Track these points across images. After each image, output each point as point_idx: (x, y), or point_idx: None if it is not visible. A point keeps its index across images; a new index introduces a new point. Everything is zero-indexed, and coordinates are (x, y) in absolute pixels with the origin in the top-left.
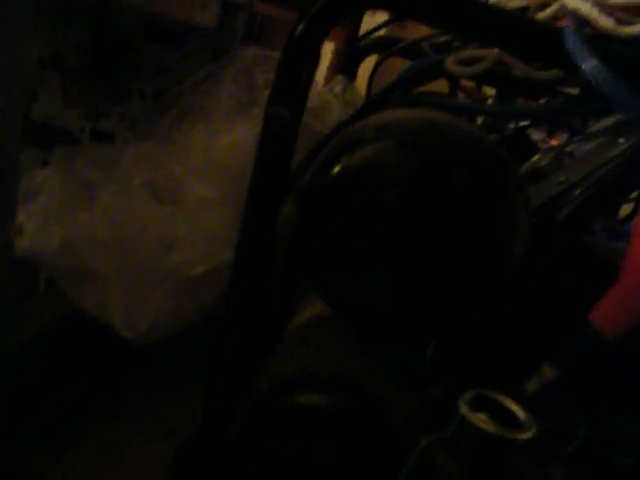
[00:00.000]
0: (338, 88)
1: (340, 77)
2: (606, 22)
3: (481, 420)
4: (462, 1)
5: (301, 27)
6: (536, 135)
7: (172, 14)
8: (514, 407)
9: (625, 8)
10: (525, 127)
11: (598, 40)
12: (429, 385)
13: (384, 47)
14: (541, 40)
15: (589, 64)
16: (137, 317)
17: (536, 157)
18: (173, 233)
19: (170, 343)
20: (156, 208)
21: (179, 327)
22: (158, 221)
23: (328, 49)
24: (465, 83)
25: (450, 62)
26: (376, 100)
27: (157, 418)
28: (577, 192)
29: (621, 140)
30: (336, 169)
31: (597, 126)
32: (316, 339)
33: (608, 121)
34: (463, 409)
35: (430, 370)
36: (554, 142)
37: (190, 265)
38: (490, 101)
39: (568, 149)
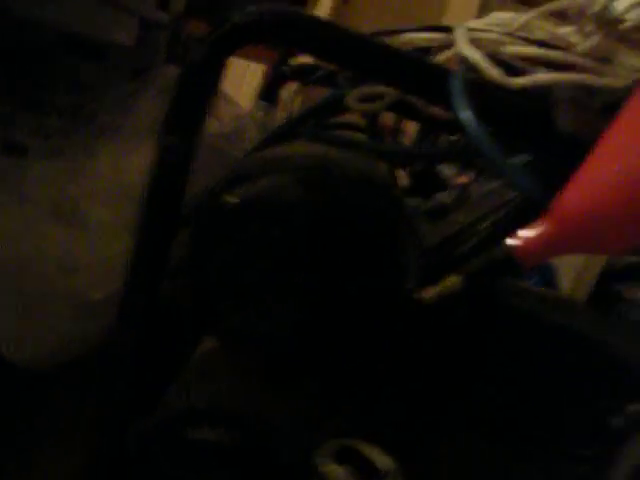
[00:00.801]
0: (258, 114)
1: (260, 102)
2: (493, 72)
3: (339, 474)
4: (355, 39)
5: (197, 55)
6: (448, 171)
7: (85, 30)
8: (378, 456)
9: (528, 59)
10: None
11: (481, 89)
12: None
13: (305, 74)
14: (430, 81)
15: (462, 112)
16: (27, 340)
17: (440, 194)
18: (73, 256)
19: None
20: (57, 229)
21: (78, 352)
22: (58, 243)
23: (259, 71)
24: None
25: (351, 97)
26: (283, 131)
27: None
28: (471, 233)
29: None
30: (229, 199)
31: None
32: (214, 371)
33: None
34: (320, 461)
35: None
36: (463, 179)
37: (90, 289)
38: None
39: (473, 187)
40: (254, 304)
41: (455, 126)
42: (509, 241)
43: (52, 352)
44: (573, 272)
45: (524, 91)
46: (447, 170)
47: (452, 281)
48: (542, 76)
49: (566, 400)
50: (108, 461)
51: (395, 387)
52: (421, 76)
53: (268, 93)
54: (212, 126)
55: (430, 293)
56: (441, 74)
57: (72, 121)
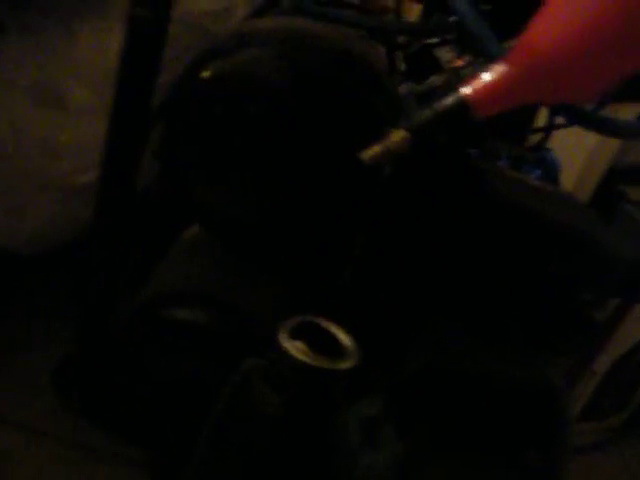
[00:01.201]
0: None
1: None
2: None
3: (298, 349)
4: None
5: None
6: (447, 55)
7: None
8: (340, 334)
9: None
10: (431, 45)
11: None
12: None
13: None
14: None
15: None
16: (16, 225)
17: (432, 77)
18: (58, 139)
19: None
20: (39, 112)
21: (66, 236)
22: (41, 126)
23: None
24: None
25: None
26: (268, 5)
27: (52, 324)
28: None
29: None
30: (203, 74)
31: None
32: (197, 255)
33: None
34: (281, 337)
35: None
36: (459, 62)
37: (76, 173)
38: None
39: (464, 71)
40: (229, 185)
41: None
42: (463, 88)
43: (40, 237)
44: (576, 170)
45: None
46: (446, 54)
47: (398, 136)
48: None
49: (547, 292)
50: (93, 339)
51: (370, 270)
52: None
53: None
54: (202, 2)
55: (371, 152)
56: None
57: None
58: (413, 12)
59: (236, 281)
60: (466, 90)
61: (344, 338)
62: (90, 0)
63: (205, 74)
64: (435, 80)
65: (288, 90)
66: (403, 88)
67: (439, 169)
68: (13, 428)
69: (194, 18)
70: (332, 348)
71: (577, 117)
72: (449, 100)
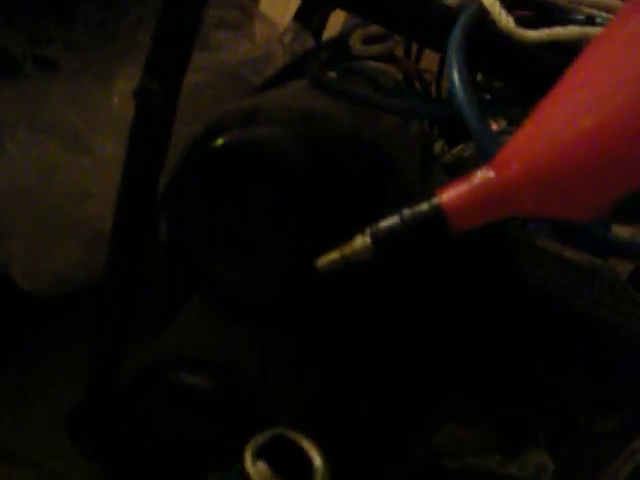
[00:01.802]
0: (287, 37)
1: (292, 24)
2: (506, 22)
3: (260, 473)
4: None
5: None
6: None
7: None
8: (311, 451)
9: None
10: None
11: (489, 38)
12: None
13: None
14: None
15: (451, 68)
16: (39, 268)
17: (461, 146)
18: (85, 185)
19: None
20: (69, 157)
21: (88, 281)
22: (70, 171)
23: None
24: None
25: (354, 38)
26: (292, 67)
27: (68, 370)
28: None
29: None
30: (215, 143)
31: None
32: (206, 319)
33: None
34: (246, 456)
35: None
36: (494, 127)
37: (102, 218)
38: None
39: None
40: (235, 256)
41: None
42: (440, 195)
43: (63, 280)
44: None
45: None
46: None
47: (360, 243)
48: (561, 30)
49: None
50: (102, 397)
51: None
52: (425, 19)
53: (301, 14)
54: (241, 48)
55: (327, 258)
56: (446, 19)
57: (99, 37)
58: None
59: (244, 347)
60: (443, 198)
61: (315, 456)
62: (129, 49)
63: (217, 144)
64: (463, 149)
65: (298, 168)
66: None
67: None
68: (25, 464)
69: (231, 67)
70: (303, 465)
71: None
72: (422, 208)
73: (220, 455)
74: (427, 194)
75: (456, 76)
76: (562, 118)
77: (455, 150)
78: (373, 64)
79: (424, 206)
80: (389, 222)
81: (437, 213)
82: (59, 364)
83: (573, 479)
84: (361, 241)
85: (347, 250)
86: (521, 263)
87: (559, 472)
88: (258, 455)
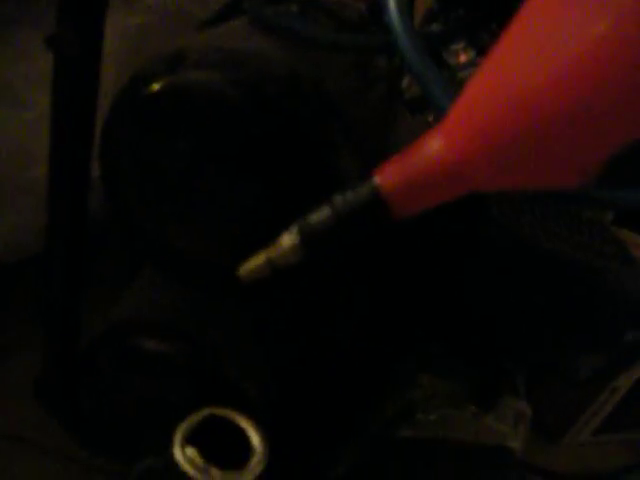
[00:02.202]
0: None
1: None
2: None
3: (188, 459)
4: None
5: None
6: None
7: None
8: (250, 432)
9: None
10: None
11: None
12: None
13: None
14: None
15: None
16: None
17: None
18: (33, 144)
19: None
20: (14, 113)
21: (40, 247)
22: (16, 129)
23: None
24: None
25: None
26: (235, 3)
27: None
28: None
29: None
30: (145, 90)
31: None
32: (163, 282)
33: None
34: (175, 441)
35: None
36: (462, 58)
37: None
38: None
39: (461, 74)
40: (175, 215)
41: None
42: (377, 176)
43: (12, 248)
44: None
45: None
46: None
47: (287, 242)
48: None
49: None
50: (60, 366)
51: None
52: None
53: None
54: None
55: (250, 265)
56: None
57: None
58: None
59: (206, 313)
60: (381, 180)
61: (253, 435)
62: None
63: (142, 93)
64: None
65: (229, 113)
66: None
67: None
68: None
69: (176, 4)
70: (242, 445)
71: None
72: (357, 195)
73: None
74: (363, 175)
75: (392, 3)
76: (522, 64)
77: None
78: None
79: (360, 192)
80: (319, 215)
81: (376, 199)
82: (21, 333)
83: (554, 420)
84: (288, 240)
85: (273, 252)
86: (491, 202)
87: (539, 413)
88: (194, 436)
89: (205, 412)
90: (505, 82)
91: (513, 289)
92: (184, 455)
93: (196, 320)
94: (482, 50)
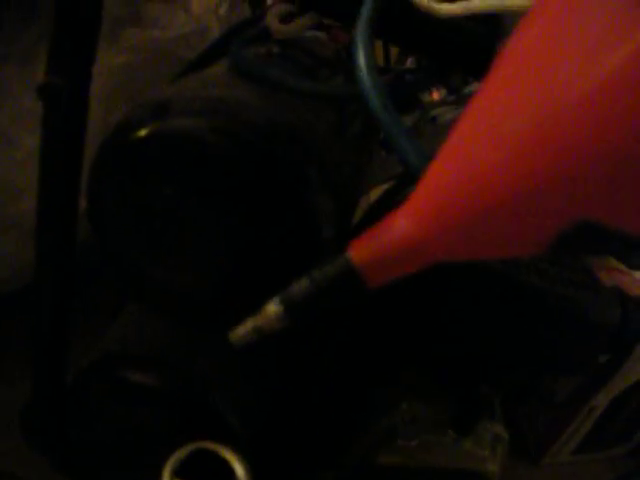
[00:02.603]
0: (223, 9)
1: None
2: None
3: None
4: None
5: None
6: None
7: None
8: (234, 463)
9: None
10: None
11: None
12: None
13: None
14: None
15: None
16: None
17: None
18: (15, 180)
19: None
20: (1, 151)
21: (27, 279)
22: (2, 166)
23: None
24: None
25: (270, 16)
26: (213, 50)
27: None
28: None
29: None
30: (135, 134)
31: (468, 89)
32: (150, 315)
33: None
34: (164, 473)
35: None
36: (435, 95)
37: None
38: None
39: (434, 112)
40: (158, 254)
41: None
42: (351, 252)
43: (4, 279)
44: None
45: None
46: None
47: (270, 311)
48: (477, 3)
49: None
50: (47, 396)
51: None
52: None
53: None
54: (176, 22)
55: (241, 330)
56: None
57: (21, 17)
58: None
59: (192, 345)
60: (354, 256)
61: (238, 467)
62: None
63: (128, 139)
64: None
65: (211, 160)
66: None
67: None
68: None
69: (165, 45)
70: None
71: None
72: (332, 268)
73: (170, 453)
74: (339, 250)
75: (362, 61)
76: (481, 141)
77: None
78: (314, 34)
79: (335, 265)
80: (299, 287)
81: (349, 271)
82: (8, 363)
83: (534, 440)
84: (273, 309)
85: (259, 320)
86: None
87: (519, 434)
88: (182, 468)
89: (192, 446)
90: (465, 160)
91: (489, 317)
92: None
93: (183, 352)
94: (453, 90)
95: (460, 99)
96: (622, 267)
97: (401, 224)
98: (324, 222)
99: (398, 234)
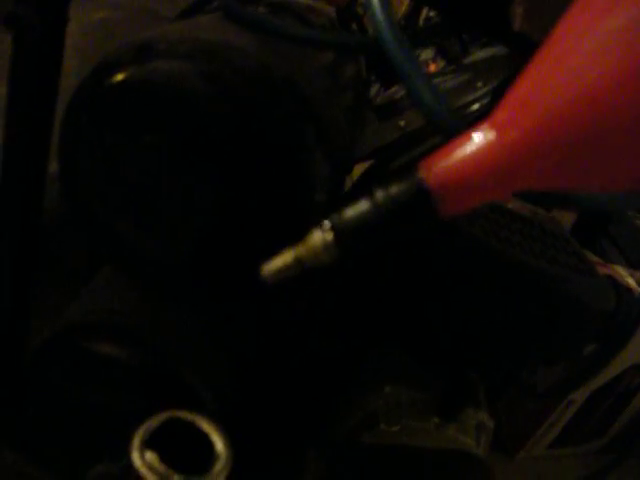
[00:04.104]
0: None
1: None
2: None
3: (147, 464)
4: None
5: None
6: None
7: None
8: (213, 435)
9: None
10: None
11: None
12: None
13: None
14: None
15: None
16: None
17: (394, 88)
18: None
19: None
20: None
21: None
22: None
23: None
24: None
25: None
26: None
27: None
28: (408, 143)
29: (479, 84)
30: (110, 80)
31: (468, 59)
32: (119, 283)
33: (479, 55)
34: (133, 444)
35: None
36: (432, 68)
37: None
38: None
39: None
40: (136, 213)
41: None
42: (423, 169)
43: None
44: None
45: None
46: (424, 54)
47: (318, 241)
48: None
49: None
50: (6, 369)
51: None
52: None
53: None
54: None
55: (276, 264)
56: None
57: None
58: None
59: (163, 315)
60: (428, 175)
61: (217, 440)
62: None
63: (107, 82)
64: (396, 91)
65: (199, 108)
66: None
67: None
68: None
69: (143, 1)
70: (205, 449)
71: None
72: (399, 190)
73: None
74: (407, 167)
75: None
76: (589, 49)
77: (391, 90)
78: (303, 2)
79: (404, 187)
80: (356, 210)
81: (422, 196)
82: None
83: (511, 431)
84: (320, 238)
85: (302, 251)
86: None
87: (497, 424)
88: (154, 442)
89: (166, 415)
90: (571, 71)
91: (476, 297)
92: (143, 460)
93: (151, 323)
94: (452, 60)
95: (459, 69)
96: (600, 261)
97: (486, 139)
98: (317, 186)
99: (482, 150)
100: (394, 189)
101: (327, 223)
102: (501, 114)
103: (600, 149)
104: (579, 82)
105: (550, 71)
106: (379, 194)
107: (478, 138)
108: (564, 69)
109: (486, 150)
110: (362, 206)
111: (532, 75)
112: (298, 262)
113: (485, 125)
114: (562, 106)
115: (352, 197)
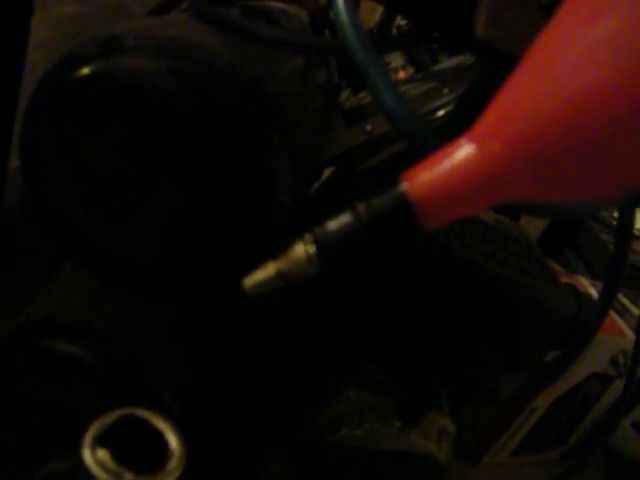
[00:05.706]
0: None
1: None
2: None
3: (98, 462)
4: None
5: None
6: (395, 63)
7: None
8: (168, 433)
9: None
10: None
11: None
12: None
13: None
14: None
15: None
16: None
17: (362, 93)
18: None
19: None
20: None
21: None
22: None
23: None
24: None
25: None
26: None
27: None
28: (375, 149)
29: (445, 91)
30: (81, 71)
31: (436, 67)
32: (80, 280)
33: (449, 63)
34: (85, 441)
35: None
36: (402, 74)
37: None
38: None
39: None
40: (99, 212)
41: None
42: (405, 182)
43: None
44: None
45: None
46: (394, 62)
47: (300, 253)
48: None
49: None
50: None
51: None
52: None
53: None
54: None
55: (257, 277)
56: None
57: None
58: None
59: (126, 315)
60: (410, 187)
61: (171, 438)
62: None
63: (70, 76)
64: (365, 97)
65: (164, 104)
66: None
67: None
68: None
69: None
70: (160, 448)
71: None
72: (381, 202)
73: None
74: (388, 180)
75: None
76: (571, 60)
77: (360, 95)
78: (277, 5)
79: (386, 199)
80: (339, 223)
81: (404, 208)
82: None
83: (474, 437)
84: (302, 251)
85: (284, 264)
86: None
87: (460, 431)
88: (107, 440)
89: (120, 412)
90: (553, 82)
91: (438, 303)
92: (94, 457)
93: (111, 321)
94: (420, 68)
95: (427, 76)
96: (563, 270)
97: (468, 150)
98: (281, 187)
99: (464, 162)
100: (376, 202)
101: (309, 236)
102: (483, 125)
103: (583, 160)
104: (561, 93)
105: (532, 82)
106: (361, 207)
107: (460, 150)
108: (546, 80)
109: (469, 162)
110: (344, 219)
111: (514, 86)
112: (280, 275)
113: (467, 137)
114: (544, 117)
115: (328, 208)
